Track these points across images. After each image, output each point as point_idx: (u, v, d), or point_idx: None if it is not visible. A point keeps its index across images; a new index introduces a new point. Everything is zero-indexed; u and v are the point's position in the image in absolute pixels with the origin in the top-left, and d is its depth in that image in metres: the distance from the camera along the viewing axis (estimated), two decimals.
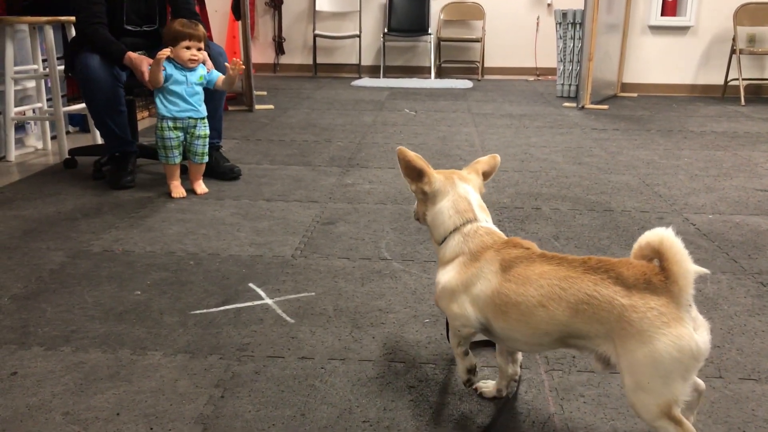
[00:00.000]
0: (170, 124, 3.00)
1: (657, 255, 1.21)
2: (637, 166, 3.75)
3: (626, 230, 2.71)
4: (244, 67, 3.15)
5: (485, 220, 1.47)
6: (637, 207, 3.01)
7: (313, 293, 2.12)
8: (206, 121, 3.11)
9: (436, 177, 1.49)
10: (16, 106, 3.81)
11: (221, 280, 2.20)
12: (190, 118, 3.03)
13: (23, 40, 3.96)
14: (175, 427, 1.45)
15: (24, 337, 1.83)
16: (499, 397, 1.57)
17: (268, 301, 2.06)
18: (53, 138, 4.08)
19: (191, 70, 3.00)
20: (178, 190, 3.09)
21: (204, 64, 3.07)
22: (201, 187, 3.15)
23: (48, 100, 4.07)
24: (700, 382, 1.34)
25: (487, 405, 1.55)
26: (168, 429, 1.45)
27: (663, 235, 1.20)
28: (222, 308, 2.01)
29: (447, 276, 1.44)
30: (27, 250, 2.46)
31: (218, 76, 3.11)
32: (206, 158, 3.14)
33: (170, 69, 2.97)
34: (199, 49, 2.98)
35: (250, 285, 2.17)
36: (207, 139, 3.12)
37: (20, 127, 3.95)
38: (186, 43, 2.94)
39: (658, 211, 2.96)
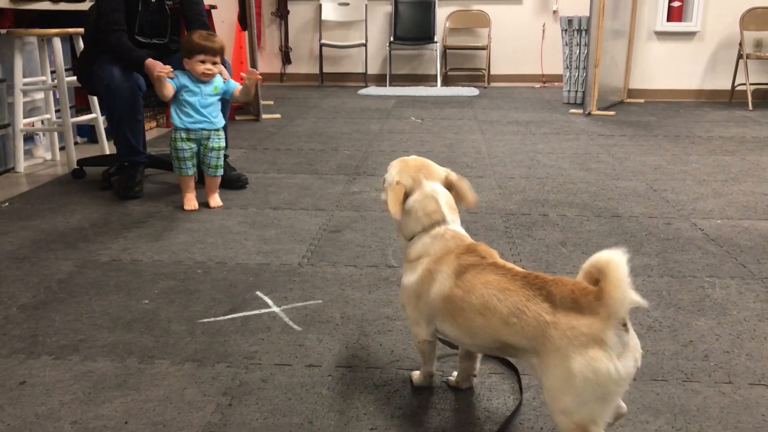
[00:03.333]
0: (183, 135, 2.98)
1: (600, 275, 1.19)
2: (644, 171, 3.74)
3: (634, 236, 2.70)
4: (261, 77, 3.13)
5: (453, 220, 1.51)
6: (644, 213, 3.00)
7: (320, 301, 2.12)
8: (221, 132, 3.07)
9: (404, 183, 1.50)
10: (24, 117, 3.83)
11: (228, 289, 2.21)
12: (203, 129, 3.00)
13: (32, 52, 4.00)
14: None
15: (33, 346, 1.84)
16: (459, 389, 1.63)
17: (276, 309, 2.07)
18: (62, 149, 4.11)
19: (205, 82, 2.98)
20: (191, 202, 3.06)
21: (221, 74, 3.04)
22: (215, 200, 3.10)
23: (56, 111, 4.10)
24: (622, 404, 1.32)
25: (495, 411, 1.54)
26: None
27: (612, 257, 1.17)
28: (229, 316, 2.02)
29: (410, 277, 1.50)
30: (36, 260, 2.47)
31: (235, 87, 3.07)
32: (220, 171, 3.11)
33: (184, 80, 2.94)
34: (214, 63, 2.95)
35: (258, 293, 2.18)
36: (221, 152, 3.08)
37: (29, 138, 3.97)
38: (201, 57, 2.91)
39: (666, 216, 2.95)
